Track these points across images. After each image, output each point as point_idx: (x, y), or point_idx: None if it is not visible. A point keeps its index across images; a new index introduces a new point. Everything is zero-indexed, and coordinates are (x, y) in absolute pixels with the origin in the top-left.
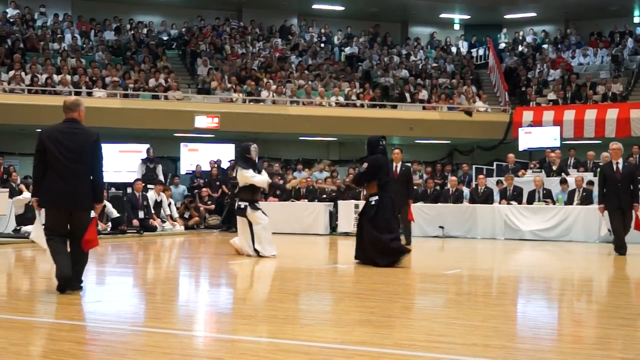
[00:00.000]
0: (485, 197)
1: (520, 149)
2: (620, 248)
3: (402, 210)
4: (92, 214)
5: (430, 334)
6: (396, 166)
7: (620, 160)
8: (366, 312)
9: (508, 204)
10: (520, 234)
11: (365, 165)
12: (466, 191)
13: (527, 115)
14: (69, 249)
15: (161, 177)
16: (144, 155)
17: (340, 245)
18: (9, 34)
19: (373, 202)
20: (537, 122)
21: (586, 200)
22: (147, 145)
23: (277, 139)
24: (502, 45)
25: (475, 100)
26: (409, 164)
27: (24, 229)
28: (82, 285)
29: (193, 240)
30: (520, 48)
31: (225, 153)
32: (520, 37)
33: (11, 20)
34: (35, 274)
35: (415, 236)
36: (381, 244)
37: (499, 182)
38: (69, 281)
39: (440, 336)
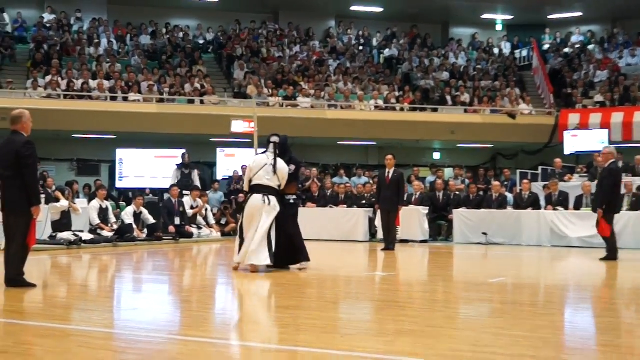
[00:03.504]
0: (530, 203)
1: (566, 152)
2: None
3: (391, 215)
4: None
5: (475, 345)
6: (388, 172)
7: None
8: (408, 322)
9: (554, 209)
10: (567, 240)
11: (293, 167)
12: (510, 197)
13: (573, 118)
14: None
15: (197, 183)
16: (180, 161)
17: (380, 253)
18: (45, 39)
19: (292, 201)
20: (583, 125)
21: (636, 205)
22: (183, 151)
23: (314, 144)
24: (546, 46)
25: (519, 102)
26: (401, 171)
27: (60, 235)
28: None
29: (230, 247)
30: (565, 49)
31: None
32: (565, 38)
33: (48, 25)
34: (72, 281)
35: (458, 243)
36: (302, 241)
37: (545, 187)
38: (11, 280)
39: (486, 347)
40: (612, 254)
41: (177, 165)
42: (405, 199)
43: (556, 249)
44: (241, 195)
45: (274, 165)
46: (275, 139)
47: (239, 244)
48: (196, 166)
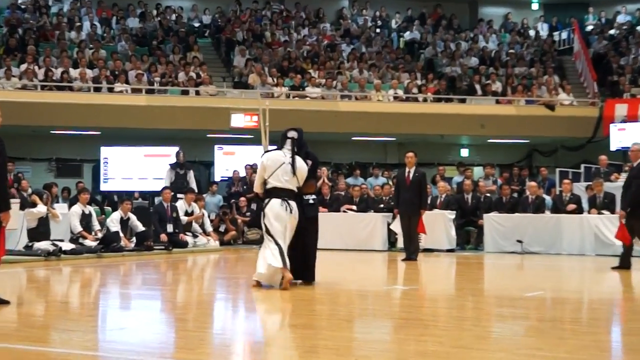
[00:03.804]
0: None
1: (612, 148)
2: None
3: (412, 220)
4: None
5: None
6: (409, 171)
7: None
8: (432, 342)
9: (599, 213)
10: (614, 248)
11: (310, 162)
12: (548, 199)
13: (620, 109)
14: None
15: (193, 185)
16: (173, 160)
17: (400, 263)
18: (20, 23)
19: (312, 201)
20: (632, 117)
21: None
22: (177, 148)
23: (326, 140)
24: (589, 28)
25: (559, 92)
26: (423, 170)
27: (37, 245)
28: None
29: (229, 258)
30: (610, 30)
31: None
32: (611, 18)
33: (22, 6)
34: (50, 297)
35: (489, 252)
36: (315, 256)
37: (588, 188)
38: None
39: None
40: (624, 262)
41: (170, 165)
42: (428, 202)
43: (601, 258)
44: (243, 199)
45: (293, 164)
46: (293, 134)
47: (279, 251)
48: (192, 166)
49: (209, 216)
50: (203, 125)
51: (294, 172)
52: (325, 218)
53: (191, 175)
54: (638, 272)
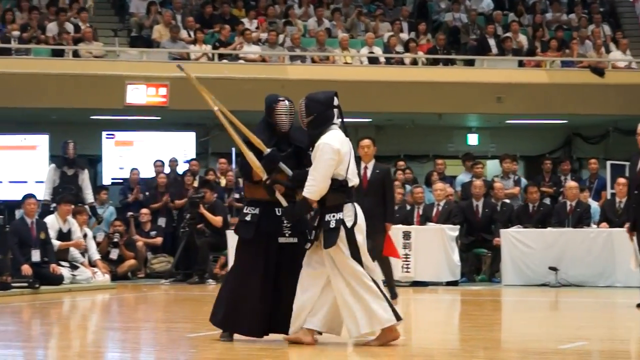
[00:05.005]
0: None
1: None
2: None
3: (377, 239)
4: None
5: None
6: (365, 168)
7: None
8: None
9: None
10: None
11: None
12: (595, 206)
13: None
14: None
15: (88, 192)
16: (43, 153)
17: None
18: None
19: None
20: None
21: None
22: (46, 137)
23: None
24: None
25: (610, 49)
26: (387, 165)
27: None
28: None
29: (126, 299)
30: None
31: (180, 146)
32: None
33: None
34: None
35: (509, 285)
36: None
37: None
38: None
39: None
40: None
41: (54, 162)
42: (420, 212)
43: None
44: (145, 211)
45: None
46: (336, 100)
47: (383, 295)
48: (86, 164)
49: (94, 237)
50: (84, 103)
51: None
52: None
53: (85, 177)
54: None
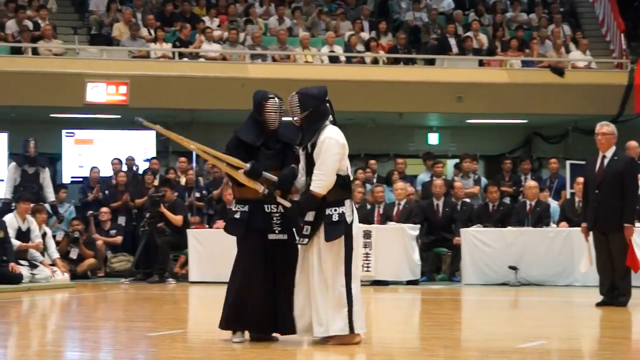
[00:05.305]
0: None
1: None
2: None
3: None
4: None
5: None
6: None
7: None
8: None
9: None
10: None
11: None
12: (555, 205)
13: None
14: None
15: (50, 190)
16: (7, 151)
17: None
18: None
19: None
20: None
21: None
22: (4, 135)
23: (228, 121)
24: None
25: (570, 49)
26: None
27: None
28: None
29: (85, 299)
30: None
31: (140, 145)
32: None
33: None
34: None
35: (470, 284)
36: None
37: None
38: None
39: None
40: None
41: (15, 160)
42: (380, 211)
43: (634, 291)
44: (105, 209)
45: None
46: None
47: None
48: (47, 162)
49: (54, 236)
50: (44, 101)
51: None
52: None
53: (46, 176)
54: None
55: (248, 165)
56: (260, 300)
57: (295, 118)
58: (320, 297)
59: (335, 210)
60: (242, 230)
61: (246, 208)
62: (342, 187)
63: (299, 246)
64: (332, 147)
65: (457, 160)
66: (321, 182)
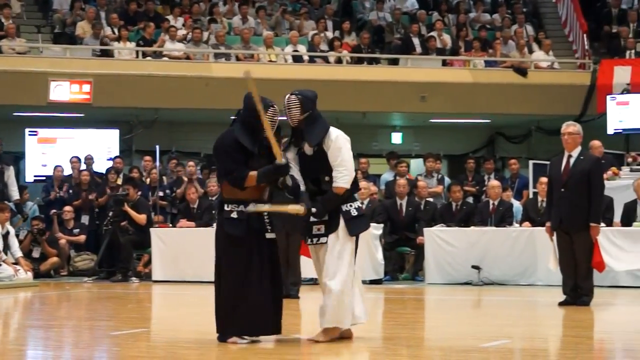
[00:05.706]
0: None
1: (610, 131)
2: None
3: (292, 240)
4: None
5: None
6: None
7: (576, 152)
8: None
9: None
10: (612, 276)
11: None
12: (518, 205)
13: (621, 74)
14: None
15: (14, 189)
16: None
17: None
18: None
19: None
20: (638, 86)
21: None
22: None
23: (192, 120)
24: None
25: (533, 49)
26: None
27: None
28: None
29: (48, 297)
30: None
31: (104, 144)
32: None
33: None
34: None
35: (434, 284)
36: None
37: None
38: None
39: None
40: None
41: None
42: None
43: (596, 290)
44: (69, 208)
45: None
46: None
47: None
48: (11, 161)
49: (17, 235)
50: (7, 99)
51: None
52: (190, 235)
53: (10, 174)
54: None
55: (284, 161)
56: (259, 302)
57: (294, 119)
58: (357, 288)
59: (351, 205)
60: (243, 229)
61: (242, 208)
62: (353, 182)
63: (310, 247)
64: (345, 142)
65: (420, 160)
66: (347, 177)
